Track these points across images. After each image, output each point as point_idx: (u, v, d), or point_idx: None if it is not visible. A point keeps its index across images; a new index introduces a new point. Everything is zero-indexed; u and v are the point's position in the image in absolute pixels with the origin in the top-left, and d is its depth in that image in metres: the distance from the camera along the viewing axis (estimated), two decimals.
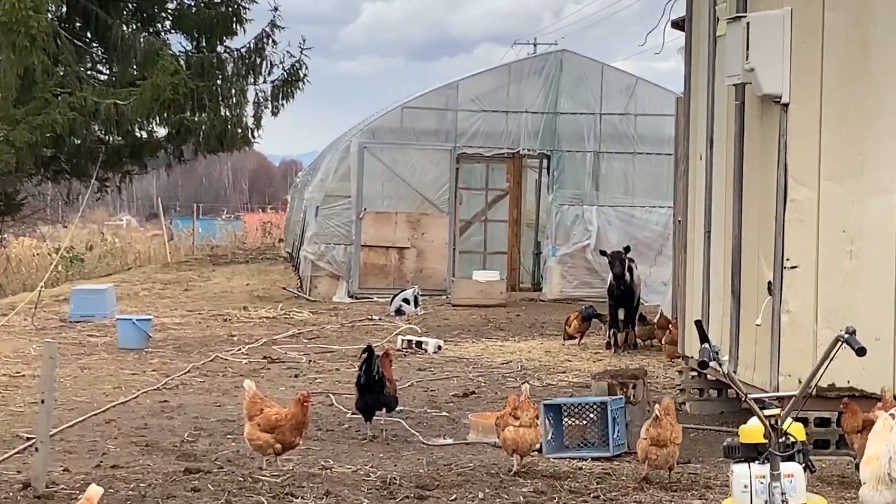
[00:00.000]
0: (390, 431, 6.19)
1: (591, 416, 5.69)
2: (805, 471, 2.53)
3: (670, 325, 9.10)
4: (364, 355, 6.18)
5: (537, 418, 5.19)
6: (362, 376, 6.03)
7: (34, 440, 4.94)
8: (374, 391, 6.00)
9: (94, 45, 16.52)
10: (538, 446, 5.34)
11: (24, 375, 8.51)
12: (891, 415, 3.69)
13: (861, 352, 2.61)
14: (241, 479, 4.94)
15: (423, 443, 5.95)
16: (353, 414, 6.52)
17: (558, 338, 11.11)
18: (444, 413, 6.96)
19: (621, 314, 10.48)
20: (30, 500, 4.51)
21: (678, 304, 8.23)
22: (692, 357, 6.80)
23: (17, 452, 5.48)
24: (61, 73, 14.76)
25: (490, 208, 17.46)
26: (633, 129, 15.84)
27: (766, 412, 2.53)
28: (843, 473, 5.16)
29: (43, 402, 4.94)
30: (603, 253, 11.62)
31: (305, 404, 5.23)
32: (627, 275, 10.56)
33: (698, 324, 3.18)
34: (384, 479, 4.99)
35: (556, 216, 15.81)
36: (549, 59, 16.51)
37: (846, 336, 2.63)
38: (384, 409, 6.07)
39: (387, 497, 4.73)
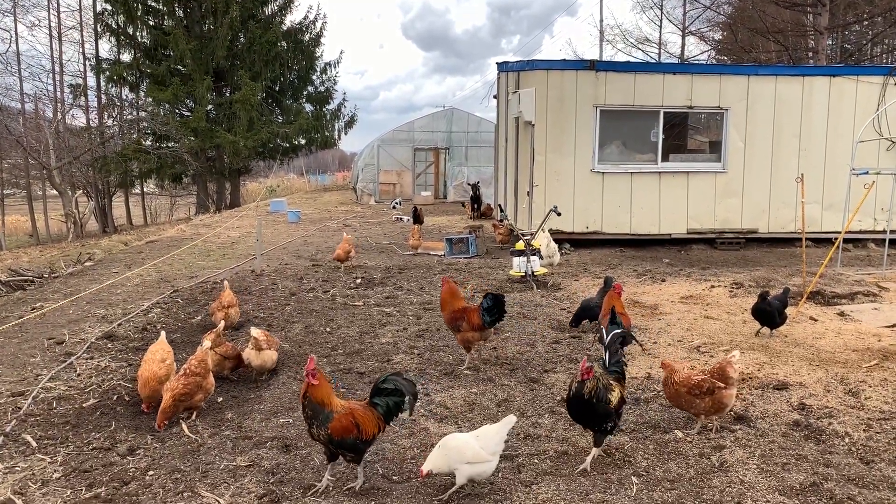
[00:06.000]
0: None
1: (464, 240, 14.77)
2: (537, 255, 10.96)
3: (497, 230, 17.47)
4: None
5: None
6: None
7: (255, 255, 13.20)
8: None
9: (275, 106, 35.51)
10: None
11: (249, 233, 17.42)
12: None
13: (558, 213, 11.48)
14: (336, 269, 13.29)
15: None
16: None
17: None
18: None
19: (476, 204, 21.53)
20: (253, 276, 12.23)
21: (496, 198, 17.89)
22: (506, 219, 16.23)
23: (247, 261, 13.64)
24: (262, 119, 32.74)
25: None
26: (482, 137, 28.98)
27: (526, 238, 11.07)
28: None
29: (257, 240, 13.23)
30: (474, 186, 22.65)
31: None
32: (477, 190, 21.57)
33: (499, 207, 12.75)
34: None
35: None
36: (447, 112, 30.48)
37: (554, 208, 11.45)
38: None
39: None
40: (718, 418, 5.23)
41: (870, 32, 38.60)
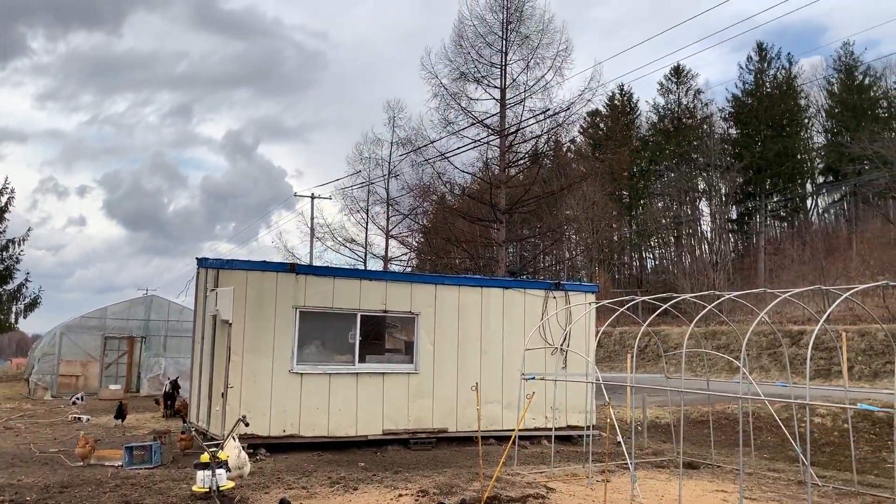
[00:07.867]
0: None
1: (147, 448, 13.36)
2: (223, 467, 9.85)
3: (179, 435, 15.05)
4: None
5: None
6: None
7: None
8: None
9: None
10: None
11: None
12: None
13: (246, 423, 10.78)
14: None
15: None
16: None
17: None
18: None
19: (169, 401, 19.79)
20: None
21: (192, 397, 16.70)
22: (189, 429, 15.08)
23: None
24: None
25: None
26: (183, 326, 26.97)
27: (211, 450, 10.01)
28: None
29: None
30: (172, 382, 21.20)
31: None
32: (176, 387, 20.03)
33: (182, 418, 11.71)
34: None
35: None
36: (146, 298, 29.75)
37: (242, 417, 10.59)
38: None
39: None
40: None
41: (540, 244, 45.21)
